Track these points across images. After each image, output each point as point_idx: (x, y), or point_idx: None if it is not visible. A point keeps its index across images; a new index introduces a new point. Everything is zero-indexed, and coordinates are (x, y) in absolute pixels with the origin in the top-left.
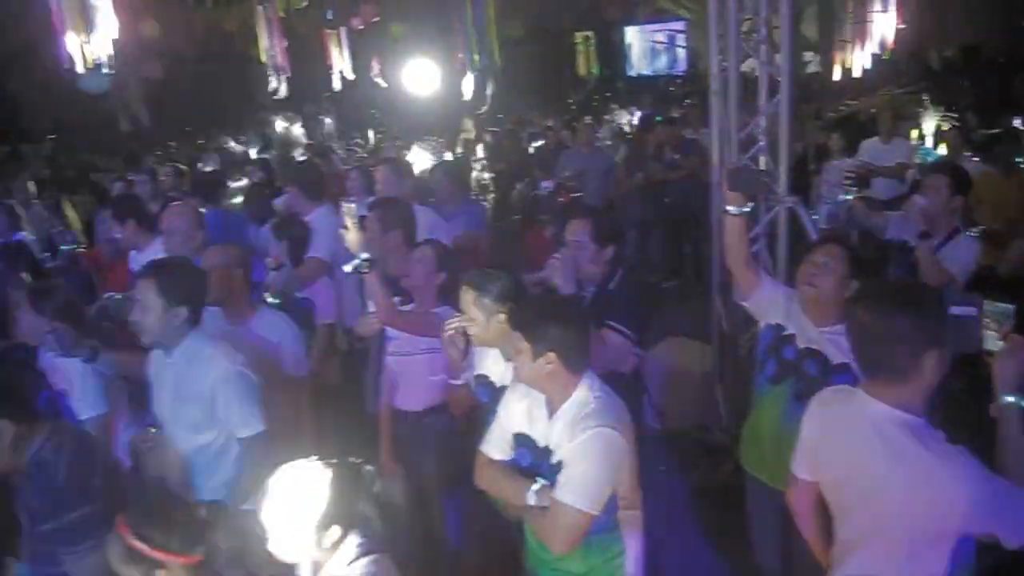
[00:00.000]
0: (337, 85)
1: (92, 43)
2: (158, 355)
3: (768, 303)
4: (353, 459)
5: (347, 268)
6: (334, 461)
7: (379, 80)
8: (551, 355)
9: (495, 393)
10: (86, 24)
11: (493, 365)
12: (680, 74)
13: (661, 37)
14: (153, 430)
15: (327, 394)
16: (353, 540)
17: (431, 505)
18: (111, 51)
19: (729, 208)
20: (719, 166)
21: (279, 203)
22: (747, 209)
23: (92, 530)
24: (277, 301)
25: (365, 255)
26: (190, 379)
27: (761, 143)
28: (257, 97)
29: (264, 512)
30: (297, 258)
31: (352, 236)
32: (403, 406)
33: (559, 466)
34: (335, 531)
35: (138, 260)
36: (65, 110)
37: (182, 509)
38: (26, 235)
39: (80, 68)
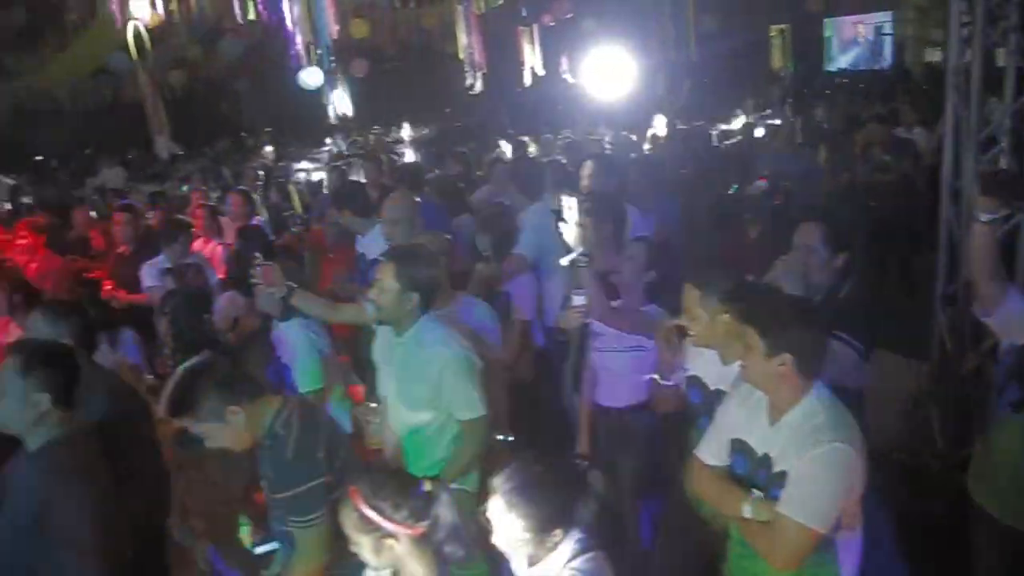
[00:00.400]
0: (528, 80)
1: (316, 44)
2: (387, 333)
3: (1017, 320)
4: (580, 462)
5: (564, 261)
6: (562, 463)
7: (567, 76)
8: (786, 356)
9: (708, 396)
10: (312, 26)
11: (708, 366)
12: (884, 68)
13: (864, 30)
14: (374, 405)
15: (519, 389)
16: (572, 537)
17: (624, 504)
18: (329, 51)
19: (981, 214)
20: (952, 168)
21: (478, 196)
22: (1001, 215)
23: (319, 502)
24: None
25: (583, 249)
26: (419, 360)
27: (1003, 144)
28: (453, 92)
29: (489, 507)
30: (502, 252)
31: (571, 230)
32: (605, 402)
33: (780, 477)
34: (557, 534)
35: (362, 244)
36: (281, 105)
37: (410, 482)
38: (261, 219)
39: (305, 67)
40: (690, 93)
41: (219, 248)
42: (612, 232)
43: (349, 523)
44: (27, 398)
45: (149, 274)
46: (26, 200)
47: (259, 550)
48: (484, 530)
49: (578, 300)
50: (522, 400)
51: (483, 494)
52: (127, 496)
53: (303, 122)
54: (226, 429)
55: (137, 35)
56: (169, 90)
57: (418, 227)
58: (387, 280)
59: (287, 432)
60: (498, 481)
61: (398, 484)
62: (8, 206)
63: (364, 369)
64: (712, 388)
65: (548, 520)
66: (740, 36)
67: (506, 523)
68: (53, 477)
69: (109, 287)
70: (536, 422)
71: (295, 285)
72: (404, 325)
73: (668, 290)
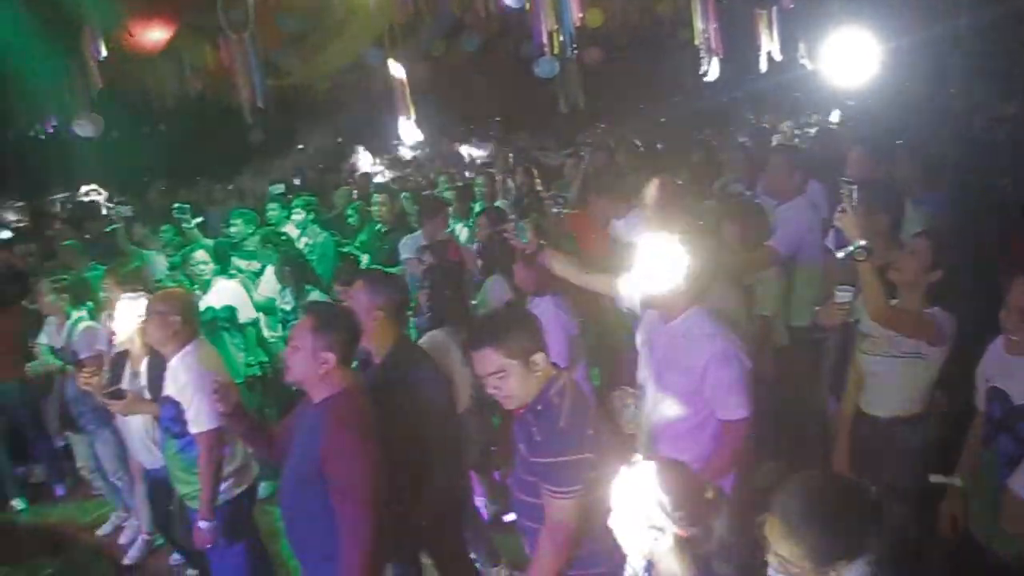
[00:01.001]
0: (763, 66)
1: (560, 32)
2: (654, 318)
3: None
4: (869, 486)
5: (840, 254)
6: (852, 486)
7: (804, 61)
8: None
9: (1009, 412)
10: (556, 15)
11: (1013, 377)
12: None
13: None
14: (630, 390)
15: (757, 389)
16: (856, 566)
17: None
18: (572, 39)
19: None
20: None
21: (719, 184)
22: None
23: (578, 476)
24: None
25: (862, 242)
26: (684, 350)
27: None
28: (684, 80)
29: (766, 527)
30: (749, 243)
31: (849, 220)
32: (870, 410)
33: None
34: (840, 565)
35: (617, 228)
36: (510, 94)
37: (696, 483)
38: (502, 201)
39: (547, 56)
40: (960, 75)
41: (464, 230)
42: (887, 225)
43: (624, 501)
44: (316, 355)
45: (406, 247)
46: (296, 181)
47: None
48: (753, 545)
49: (843, 296)
50: (759, 400)
51: (743, 501)
52: (427, 463)
53: (533, 112)
54: (522, 372)
55: (390, 30)
56: (412, 82)
57: (676, 213)
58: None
59: (560, 401)
60: (780, 500)
61: (683, 481)
62: (282, 187)
63: (600, 351)
64: (1017, 403)
65: (833, 551)
66: (1014, 2)
67: (782, 548)
68: (333, 428)
69: (365, 259)
70: (777, 424)
71: (544, 242)
72: (673, 313)
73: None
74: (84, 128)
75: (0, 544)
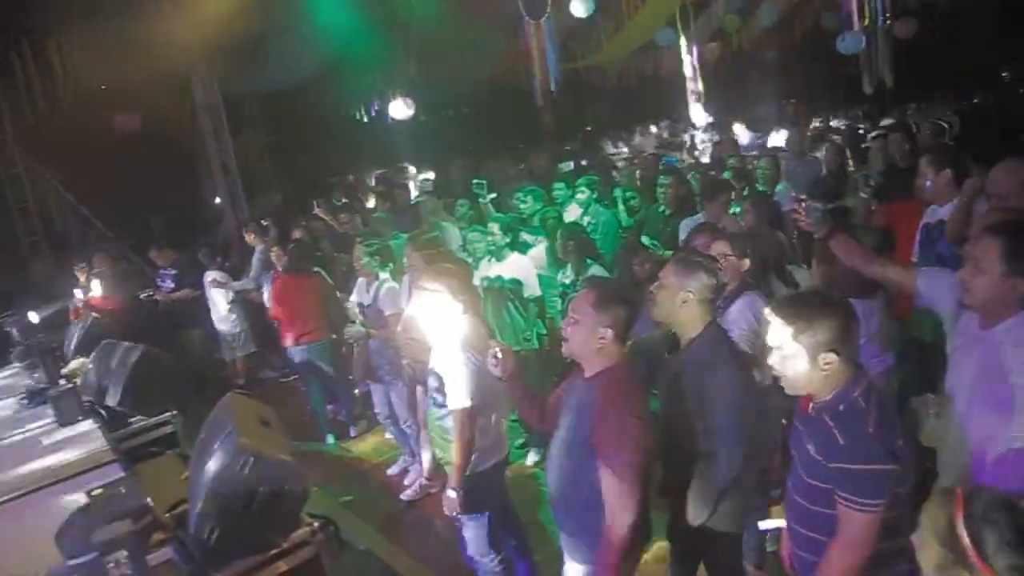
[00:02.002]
0: None
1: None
2: (971, 322)
3: None
4: None
5: None
6: None
7: None
8: None
9: None
10: None
11: None
12: None
13: None
14: (934, 398)
15: None
16: None
17: None
18: (884, 8)
19: None
20: None
21: None
22: None
23: (882, 489)
24: None
25: None
26: (1009, 361)
27: None
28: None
29: None
30: None
31: None
32: None
33: None
34: None
35: (936, 213)
36: (812, 72)
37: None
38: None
39: (856, 29)
40: None
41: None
42: None
43: (932, 525)
44: (595, 330)
45: (683, 228)
46: (583, 161)
47: (763, 526)
48: None
49: None
50: None
51: None
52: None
53: (836, 90)
54: (807, 366)
55: (683, 10)
56: (704, 61)
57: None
58: (987, 259)
59: (868, 404)
60: None
61: (1016, 517)
62: (571, 165)
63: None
64: None
65: None
66: None
67: None
68: (604, 402)
69: (645, 240)
70: None
71: (834, 224)
72: (997, 314)
73: None
74: (399, 111)
75: (312, 470)
